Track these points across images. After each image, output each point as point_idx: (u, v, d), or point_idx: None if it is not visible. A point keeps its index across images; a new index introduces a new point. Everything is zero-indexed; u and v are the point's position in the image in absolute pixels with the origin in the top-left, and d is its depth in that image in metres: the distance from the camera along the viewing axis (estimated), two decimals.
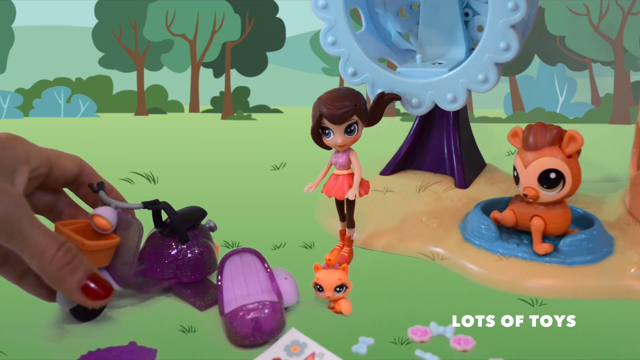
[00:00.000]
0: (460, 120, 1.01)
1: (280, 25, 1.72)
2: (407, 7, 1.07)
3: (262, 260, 0.75)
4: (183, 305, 0.78)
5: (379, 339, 0.70)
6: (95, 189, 0.73)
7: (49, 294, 0.66)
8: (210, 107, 1.76)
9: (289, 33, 1.73)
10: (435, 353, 0.67)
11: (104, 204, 0.72)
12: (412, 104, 0.96)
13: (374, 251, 0.92)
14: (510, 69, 1.60)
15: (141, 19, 1.70)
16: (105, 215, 0.71)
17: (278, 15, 1.72)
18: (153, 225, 0.79)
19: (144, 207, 0.74)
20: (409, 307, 0.77)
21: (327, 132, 0.81)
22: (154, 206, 0.75)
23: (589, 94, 1.60)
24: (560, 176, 0.77)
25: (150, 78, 1.74)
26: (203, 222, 0.83)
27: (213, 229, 0.84)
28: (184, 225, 0.78)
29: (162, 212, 0.78)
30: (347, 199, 0.85)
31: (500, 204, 0.91)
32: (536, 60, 1.60)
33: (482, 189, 0.99)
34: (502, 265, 0.82)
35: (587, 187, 0.98)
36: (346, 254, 0.88)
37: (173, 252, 0.77)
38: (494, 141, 1.25)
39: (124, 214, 0.72)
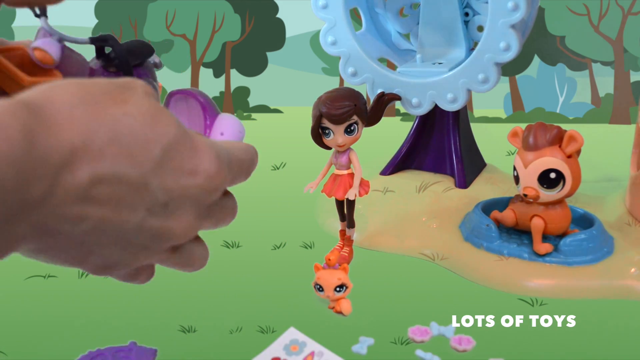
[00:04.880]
0: (460, 120, 1.01)
1: (280, 25, 1.72)
2: (407, 7, 1.07)
3: (204, 108, 0.63)
4: (183, 305, 0.78)
5: (379, 339, 0.70)
6: (37, 14, 0.65)
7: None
8: None
9: (289, 33, 1.73)
10: (436, 353, 0.67)
11: (46, 34, 0.66)
12: (412, 104, 0.96)
13: (374, 251, 0.92)
14: (510, 69, 1.60)
15: (141, 19, 1.70)
16: (48, 49, 0.63)
17: (278, 15, 1.72)
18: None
19: (91, 43, 0.66)
20: (409, 307, 0.77)
21: (327, 132, 0.81)
22: (102, 42, 0.68)
23: (589, 94, 1.60)
24: (560, 176, 0.77)
25: None
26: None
27: (158, 65, 0.76)
28: (130, 62, 0.71)
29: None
30: (347, 199, 0.85)
31: (500, 204, 0.91)
32: (536, 60, 1.60)
33: (482, 189, 0.99)
34: (502, 265, 0.82)
35: (587, 187, 0.98)
36: (346, 254, 0.88)
37: None
38: (494, 141, 1.25)
39: (67, 48, 0.65)
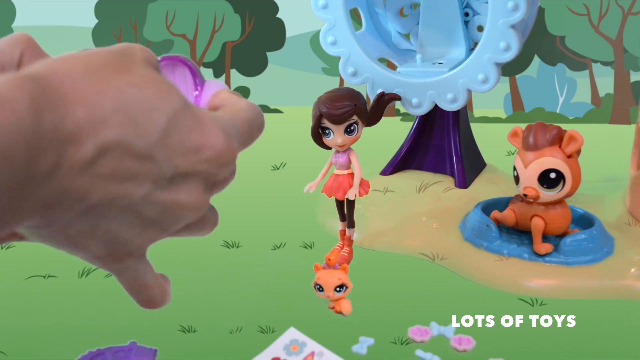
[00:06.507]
0: (460, 120, 1.01)
1: (280, 25, 1.72)
2: (407, 7, 1.07)
3: (194, 74, 0.60)
4: (183, 305, 0.78)
5: (379, 339, 0.70)
6: None
7: None
8: None
9: (289, 33, 1.73)
10: (436, 353, 0.67)
11: None
12: (412, 104, 0.96)
13: (374, 251, 0.92)
14: (510, 69, 1.60)
15: (141, 19, 1.70)
16: None
17: (278, 15, 1.72)
18: None
19: None
20: (409, 307, 0.77)
21: (327, 132, 0.81)
22: None
23: (589, 94, 1.60)
24: (560, 176, 0.77)
25: None
26: None
27: None
28: None
29: None
30: (347, 199, 0.85)
31: (500, 204, 0.91)
32: (536, 60, 1.60)
33: (482, 189, 0.99)
34: (502, 265, 0.82)
35: (587, 187, 0.98)
36: (346, 254, 0.88)
37: None
38: (494, 141, 1.25)
39: None
